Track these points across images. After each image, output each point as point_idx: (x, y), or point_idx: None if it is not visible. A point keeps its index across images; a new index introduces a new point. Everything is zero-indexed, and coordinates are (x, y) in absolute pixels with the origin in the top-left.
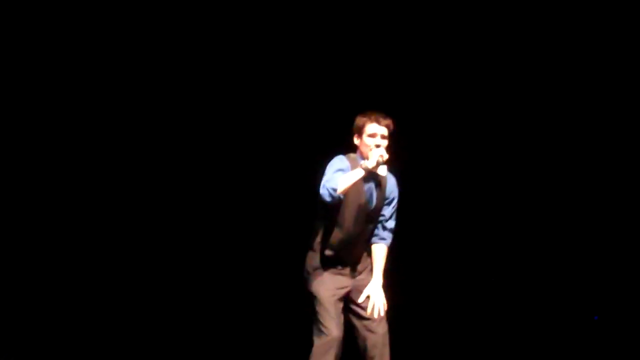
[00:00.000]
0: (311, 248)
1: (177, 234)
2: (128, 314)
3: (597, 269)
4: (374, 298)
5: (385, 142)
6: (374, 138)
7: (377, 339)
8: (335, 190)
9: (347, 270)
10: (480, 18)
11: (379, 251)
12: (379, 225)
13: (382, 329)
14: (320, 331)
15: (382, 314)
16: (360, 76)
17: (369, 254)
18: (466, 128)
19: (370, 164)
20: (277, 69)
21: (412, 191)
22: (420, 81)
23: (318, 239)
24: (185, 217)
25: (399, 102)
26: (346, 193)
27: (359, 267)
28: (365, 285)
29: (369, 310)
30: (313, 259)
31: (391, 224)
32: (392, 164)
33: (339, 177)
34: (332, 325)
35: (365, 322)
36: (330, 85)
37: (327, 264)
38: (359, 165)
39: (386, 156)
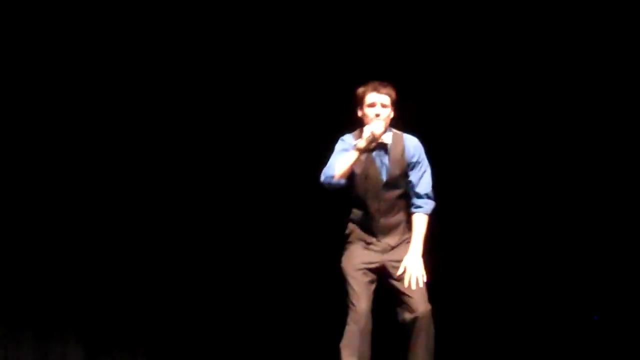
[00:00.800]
0: (346, 225)
1: (183, 230)
2: (129, 313)
3: (597, 269)
4: (410, 268)
5: (386, 111)
6: (373, 108)
7: (419, 319)
8: (332, 177)
9: (378, 244)
10: (481, 13)
11: (417, 220)
12: (412, 194)
13: (423, 306)
14: (348, 306)
15: (421, 284)
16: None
17: (407, 227)
18: (464, 128)
19: (361, 142)
20: (280, 63)
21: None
22: (420, 80)
23: (350, 217)
24: (189, 212)
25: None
26: (355, 170)
27: (391, 241)
28: (401, 259)
29: (405, 282)
30: (346, 236)
31: (424, 188)
32: (403, 129)
33: (337, 161)
34: (356, 299)
35: (405, 299)
36: (335, 77)
37: (356, 239)
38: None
39: (379, 130)
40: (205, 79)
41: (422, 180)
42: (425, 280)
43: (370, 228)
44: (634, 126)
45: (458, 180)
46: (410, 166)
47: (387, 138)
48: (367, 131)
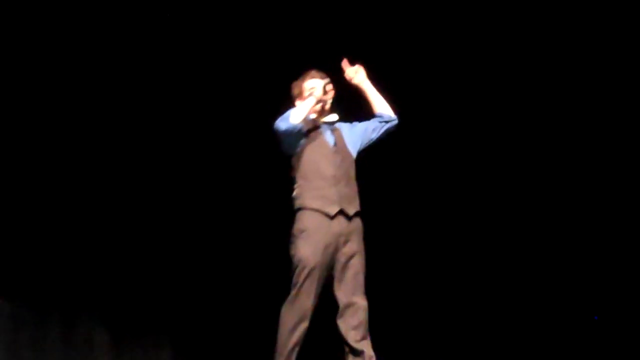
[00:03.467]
0: (298, 209)
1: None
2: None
3: (597, 269)
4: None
5: (332, 93)
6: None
7: (357, 312)
8: (288, 118)
9: (339, 220)
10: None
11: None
12: (381, 117)
13: (362, 301)
14: (292, 296)
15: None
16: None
17: (357, 200)
18: (462, 128)
19: (317, 91)
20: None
21: (410, 192)
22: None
23: (303, 196)
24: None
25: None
26: (306, 140)
27: (351, 210)
28: (352, 254)
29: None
30: (302, 219)
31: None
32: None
33: (293, 109)
34: (307, 294)
35: (344, 294)
36: None
37: (317, 219)
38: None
39: (329, 87)
40: (183, 83)
41: (368, 121)
42: (362, 75)
43: (331, 196)
44: (632, 126)
45: (455, 181)
46: (353, 132)
47: (334, 117)
48: (322, 84)
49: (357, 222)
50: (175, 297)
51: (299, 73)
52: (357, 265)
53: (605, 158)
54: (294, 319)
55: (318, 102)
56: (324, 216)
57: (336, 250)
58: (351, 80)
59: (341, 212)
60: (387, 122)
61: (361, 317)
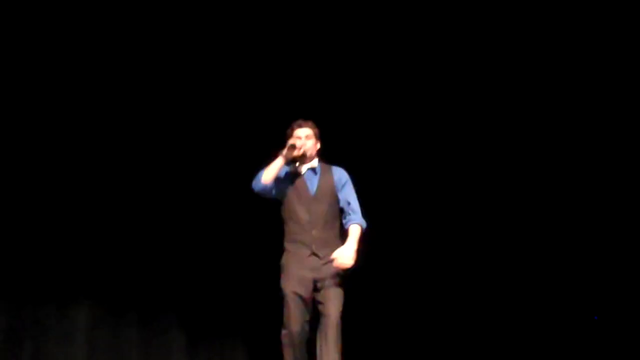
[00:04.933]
0: (283, 249)
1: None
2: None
3: (597, 269)
4: (341, 255)
5: (310, 142)
6: (299, 139)
7: (329, 321)
8: (260, 178)
9: (312, 259)
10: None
11: (352, 229)
12: (346, 210)
13: (335, 310)
14: (283, 325)
15: (345, 261)
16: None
17: (340, 243)
18: (460, 129)
19: (285, 151)
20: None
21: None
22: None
23: (285, 238)
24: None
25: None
26: (289, 188)
27: (322, 254)
28: (329, 276)
29: (334, 263)
30: (283, 258)
31: (353, 205)
32: (329, 159)
33: (264, 170)
34: (290, 321)
35: (321, 307)
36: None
37: (293, 259)
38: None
39: (298, 143)
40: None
41: (352, 198)
42: (349, 264)
43: (305, 240)
44: (632, 126)
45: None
46: (338, 187)
47: (315, 163)
48: (289, 142)
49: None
50: (251, 299)
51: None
52: (333, 288)
53: (605, 158)
54: (290, 344)
55: (286, 160)
56: (298, 256)
57: (313, 280)
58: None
59: (313, 254)
60: (351, 212)
61: (332, 328)
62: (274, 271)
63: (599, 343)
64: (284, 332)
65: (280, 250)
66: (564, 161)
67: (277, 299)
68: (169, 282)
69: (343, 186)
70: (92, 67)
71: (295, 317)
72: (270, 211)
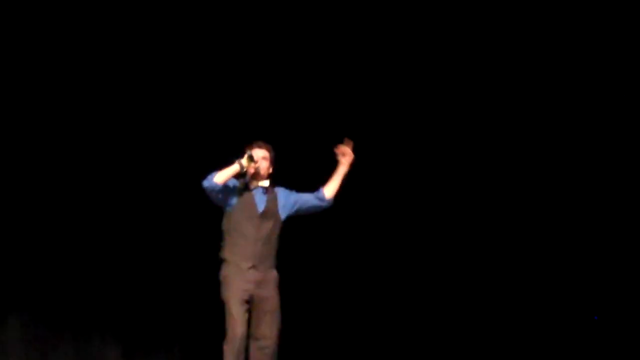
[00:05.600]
0: (222, 260)
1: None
2: None
3: (597, 269)
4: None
5: (265, 163)
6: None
7: (266, 349)
8: (212, 177)
9: (252, 272)
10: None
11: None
12: (308, 201)
13: (273, 336)
14: (226, 335)
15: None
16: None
17: (272, 259)
18: (458, 130)
19: (242, 160)
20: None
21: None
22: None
23: (226, 249)
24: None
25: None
26: (237, 202)
27: (261, 268)
28: (265, 295)
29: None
30: (223, 268)
31: (321, 191)
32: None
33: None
34: (237, 325)
35: (255, 329)
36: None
37: (234, 270)
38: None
39: (257, 155)
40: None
41: (305, 195)
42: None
43: (247, 254)
44: (631, 126)
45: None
46: (288, 200)
47: (266, 184)
48: (248, 152)
49: (270, 274)
50: (186, 310)
51: None
52: (271, 307)
53: (605, 158)
54: (234, 350)
55: (242, 168)
56: (238, 267)
57: (252, 293)
58: (340, 157)
59: (253, 267)
60: (322, 203)
61: (268, 352)
62: (209, 281)
63: (599, 343)
64: (227, 339)
65: (213, 262)
66: (563, 161)
67: (213, 309)
68: (103, 296)
69: (290, 193)
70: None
71: (241, 321)
72: (199, 224)
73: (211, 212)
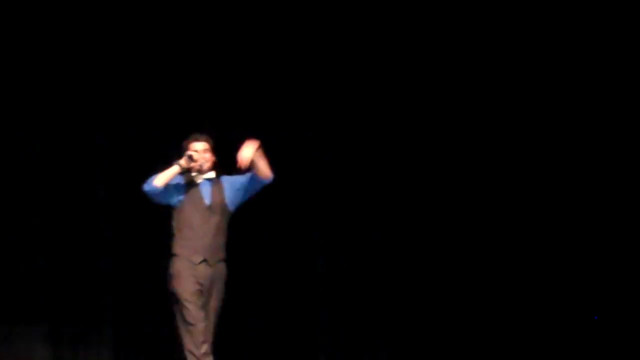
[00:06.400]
0: (172, 255)
1: None
2: None
3: (597, 269)
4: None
5: (207, 155)
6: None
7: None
8: (152, 180)
9: (203, 266)
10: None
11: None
12: (247, 179)
13: (214, 321)
14: (184, 321)
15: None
16: None
17: (222, 250)
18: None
19: (182, 160)
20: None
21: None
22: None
23: (176, 244)
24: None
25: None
26: (185, 197)
27: (214, 261)
28: (214, 292)
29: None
30: (174, 263)
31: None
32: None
33: (159, 173)
34: (196, 320)
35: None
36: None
37: (185, 264)
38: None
39: (196, 155)
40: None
41: (245, 175)
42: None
43: (198, 247)
44: (630, 126)
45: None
46: (234, 185)
47: (211, 175)
48: (187, 153)
49: (221, 268)
50: (115, 308)
51: None
52: (214, 305)
53: (604, 158)
54: (192, 342)
55: (182, 169)
56: (190, 262)
57: (203, 287)
58: (243, 161)
59: (204, 261)
60: (265, 180)
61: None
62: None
63: (599, 343)
64: (187, 329)
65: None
66: (563, 161)
67: (141, 296)
68: (32, 292)
69: (234, 180)
70: None
71: (198, 316)
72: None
73: None
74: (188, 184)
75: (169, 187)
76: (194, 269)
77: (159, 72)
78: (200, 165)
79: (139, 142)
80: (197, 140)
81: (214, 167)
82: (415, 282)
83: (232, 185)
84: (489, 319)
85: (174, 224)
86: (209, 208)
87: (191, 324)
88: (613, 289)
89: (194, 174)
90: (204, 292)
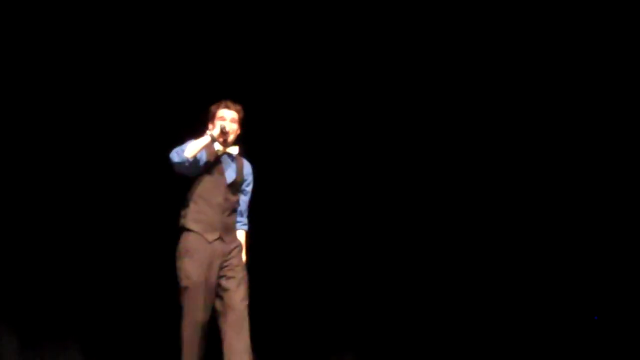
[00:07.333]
0: (184, 229)
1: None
2: None
3: (597, 269)
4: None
5: (234, 126)
6: (223, 121)
7: (239, 312)
8: (183, 151)
9: (217, 244)
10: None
11: (242, 235)
12: (238, 213)
13: (245, 299)
14: (184, 317)
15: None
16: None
17: (234, 229)
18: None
19: (215, 131)
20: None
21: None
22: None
23: (189, 218)
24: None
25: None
26: (206, 169)
27: (229, 239)
28: (235, 263)
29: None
30: (185, 240)
31: (245, 210)
32: (247, 152)
33: (189, 143)
34: (198, 309)
35: (227, 296)
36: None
37: (198, 242)
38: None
39: (229, 126)
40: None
41: (248, 200)
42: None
43: (214, 223)
44: (629, 126)
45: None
46: (246, 182)
47: (234, 150)
48: (221, 124)
49: (236, 243)
50: (83, 304)
51: None
52: (239, 276)
53: (604, 158)
54: (194, 335)
55: (213, 140)
56: (203, 239)
57: (219, 266)
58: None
59: (219, 238)
60: (240, 215)
61: (242, 318)
62: (109, 276)
63: (599, 343)
64: (185, 323)
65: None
66: (563, 161)
67: (110, 297)
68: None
69: (248, 185)
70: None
71: (203, 305)
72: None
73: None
74: (209, 154)
75: (196, 159)
76: (208, 246)
77: (159, 72)
78: (227, 137)
79: (138, 142)
80: (227, 107)
81: (238, 140)
82: (415, 282)
83: (248, 174)
84: (489, 319)
85: (189, 195)
86: (230, 185)
87: (191, 313)
88: (613, 289)
89: (218, 146)
90: (222, 272)
